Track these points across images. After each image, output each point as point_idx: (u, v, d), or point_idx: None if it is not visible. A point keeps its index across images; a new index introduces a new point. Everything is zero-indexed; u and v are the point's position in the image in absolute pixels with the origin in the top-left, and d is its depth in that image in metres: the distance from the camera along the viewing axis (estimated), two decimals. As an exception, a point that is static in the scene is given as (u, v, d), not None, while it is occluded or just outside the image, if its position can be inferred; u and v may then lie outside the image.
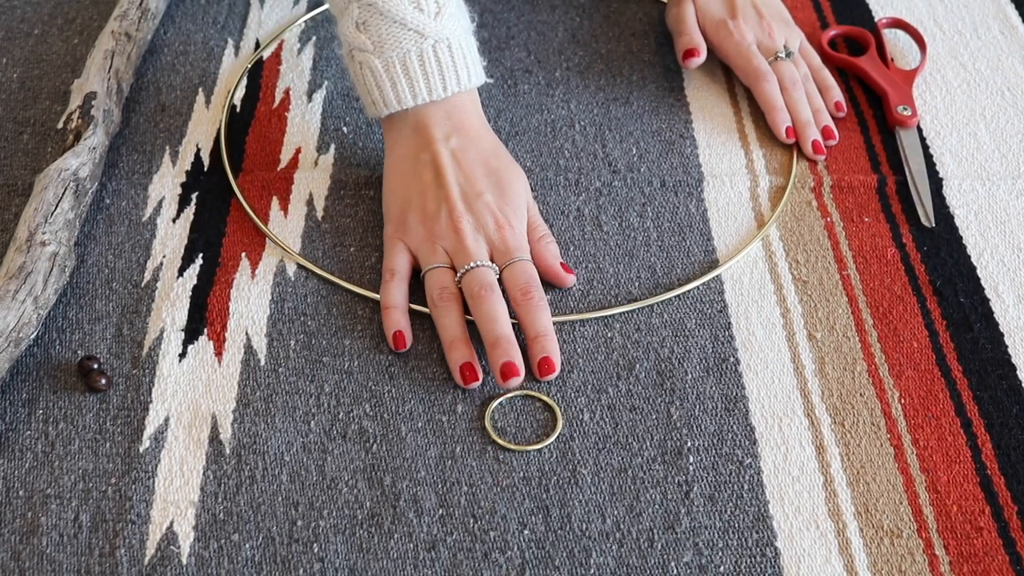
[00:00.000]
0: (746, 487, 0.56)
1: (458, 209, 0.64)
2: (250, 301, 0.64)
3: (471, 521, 0.55)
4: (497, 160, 0.66)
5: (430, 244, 0.64)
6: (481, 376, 0.60)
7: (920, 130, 0.77)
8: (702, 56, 0.78)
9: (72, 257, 0.64)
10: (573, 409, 0.59)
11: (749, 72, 0.77)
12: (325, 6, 0.85)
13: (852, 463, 0.57)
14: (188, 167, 0.72)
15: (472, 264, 0.62)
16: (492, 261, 0.63)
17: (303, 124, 0.76)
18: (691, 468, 0.57)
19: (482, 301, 0.61)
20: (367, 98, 0.66)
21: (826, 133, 0.75)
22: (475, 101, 0.67)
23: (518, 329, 0.62)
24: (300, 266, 0.66)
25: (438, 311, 0.62)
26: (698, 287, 0.66)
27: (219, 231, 0.68)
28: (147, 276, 0.65)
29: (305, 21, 0.85)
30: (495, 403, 0.59)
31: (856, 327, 0.64)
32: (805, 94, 0.77)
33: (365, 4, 0.63)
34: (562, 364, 0.61)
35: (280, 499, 0.55)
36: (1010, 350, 0.63)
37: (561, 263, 0.65)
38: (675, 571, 0.53)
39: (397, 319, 0.62)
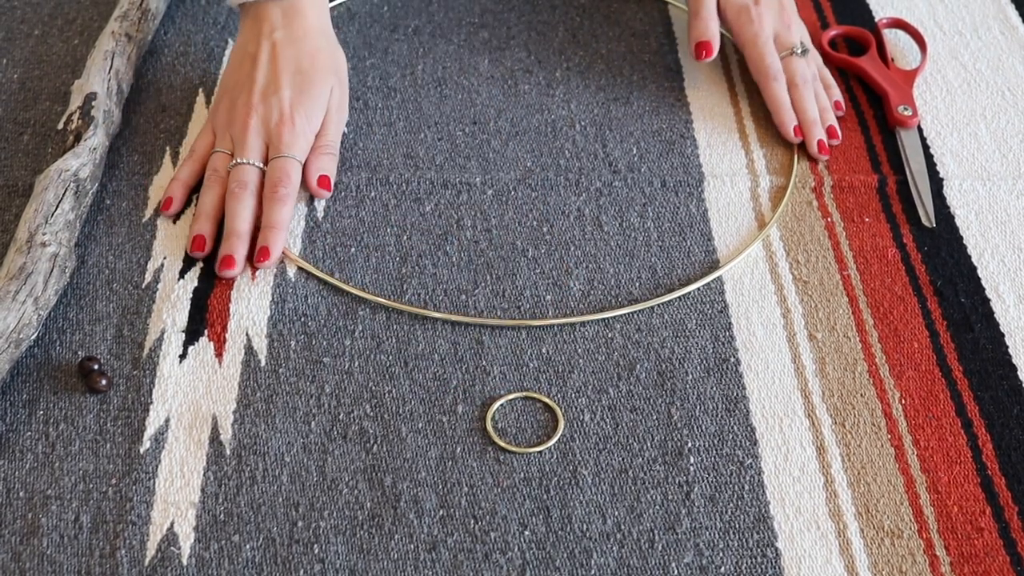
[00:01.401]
0: (747, 488, 0.56)
1: (252, 102, 0.69)
2: (250, 302, 0.64)
3: (472, 522, 0.55)
4: (311, 61, 0.70)
5: (223, 131, 0.70)
6: (208, 250, 0.66)
7: (921, 130, 0.77)
8: (714, 53, 0.76)
9: (72, 258, 0.64)
10: (574, 410, 0.59)
11: (761, 68, 0.77)
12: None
13: (853, 464, 0.57)
14: (188, 168, 0.72)
15: (239, 160, 0.68)
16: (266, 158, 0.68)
17: (303, 124, 0.76)
18: (692, 469, 0.57)
19: (232, 198, 0.66)
20: None
21: (830, 133, 0.75)
22: (316, 6, 0.71)
23: None
24: (300, 267, 0.66)
25: (203, 189, 0.68)
26: (698, 287, 0.66)
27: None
28: (148, 277, 0.65)
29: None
30: (496, 404, 0.59)
31: (857, 327, 0.64)
32: (814, 93, 0.76)
33: None
34: (565, 363, 0.61)
35: (280, 500, 0.55)
36: (1011, 350, 0.63)
37: (322, 176, 0.69)
38: (676, 572, 0.53)
39: (179, 197, 0.68)
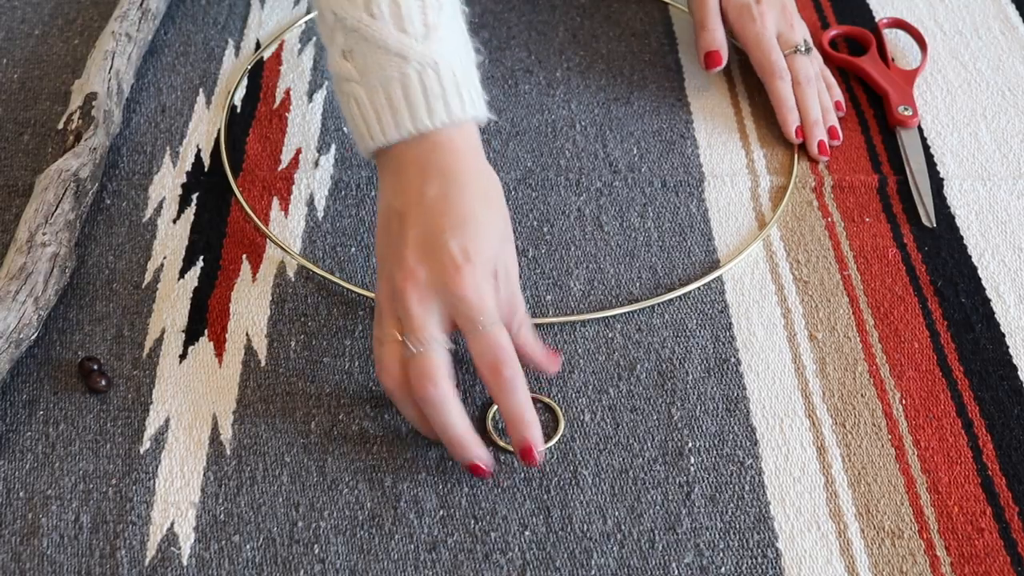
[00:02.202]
0: (747, 488, 0.56)
1: (408, 265, 0.53)
2: (250, 302, 0.64)
3: (472, 522, 0.55)
4: (472, 196, 0.55)
5: (390, 313, 0.55)
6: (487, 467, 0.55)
7: (921, 130, 0.77)
8: (723, 63, 0.77)
9: (73, 258, 0.64)
10: (574, 410, 0.59)
11: (765, 67, 0.76)
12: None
13: (853, 464, 0.57)
14: (188, 168, 0.72)
15: (416, 348, 0.53)
16: (451, 327, 0.54)
17: (304, 124, 0.76)
18: (692, 469, 0.57)
19: (428, 405, 0.53)
20: (356, 132, 0.58)
21: (831, 133, 0.75)
22: (469, 139, 0.57)
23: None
24: (300, 267, 0.66)
25: (396, 403, 0.56)
26: (699, 287, 0.66)
27: (220, 232, 0.68)
28: (148, 277, 0.65)
29: (306, 21, 0.84)
30: (496, 405, 0.59)
31: (857, 327, 0.64)
32: (817, 93, 0.76)
33: (350, 30, 0.55)
34: (565, 363, 0.61)
35: (281, 500, 0.55)
36: (1011, 351, 0.63)
37: (549, 353, 0.58)
38: (676, 572, 0.53)
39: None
